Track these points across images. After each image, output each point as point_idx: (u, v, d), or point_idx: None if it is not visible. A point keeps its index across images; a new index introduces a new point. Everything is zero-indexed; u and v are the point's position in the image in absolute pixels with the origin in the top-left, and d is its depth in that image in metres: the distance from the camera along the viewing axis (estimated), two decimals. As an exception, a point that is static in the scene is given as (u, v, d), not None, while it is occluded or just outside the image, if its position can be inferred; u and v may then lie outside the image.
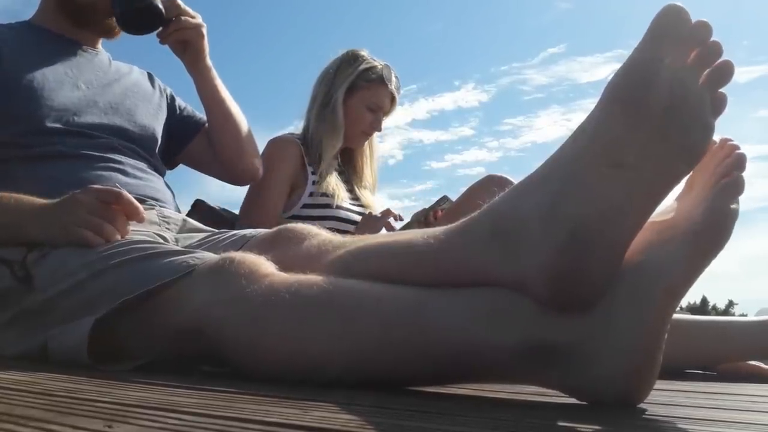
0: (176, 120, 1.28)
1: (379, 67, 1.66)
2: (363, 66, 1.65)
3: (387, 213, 1.58)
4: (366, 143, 1.75)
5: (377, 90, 1.66)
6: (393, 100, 1.70)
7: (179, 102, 1.30)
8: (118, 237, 0.83)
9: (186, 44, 1.18)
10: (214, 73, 1.23)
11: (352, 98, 1.64)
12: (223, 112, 1.24)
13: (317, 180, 1.61)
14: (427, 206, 1.59)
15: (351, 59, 1.67)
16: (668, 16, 0.51)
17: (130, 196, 0.85)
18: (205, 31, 1.18)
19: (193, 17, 1.15)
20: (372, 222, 1.57)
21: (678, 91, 0.51)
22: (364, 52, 1.69)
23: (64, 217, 0.83)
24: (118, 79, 1.17)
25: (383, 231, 1.54)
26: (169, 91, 1.29)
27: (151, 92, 1.23)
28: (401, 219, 1.60)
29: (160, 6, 1.10)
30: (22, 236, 0.85)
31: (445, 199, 1.57)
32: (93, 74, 1.12)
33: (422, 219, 1.56)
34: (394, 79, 1.68)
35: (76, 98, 1.06)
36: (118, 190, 0.85)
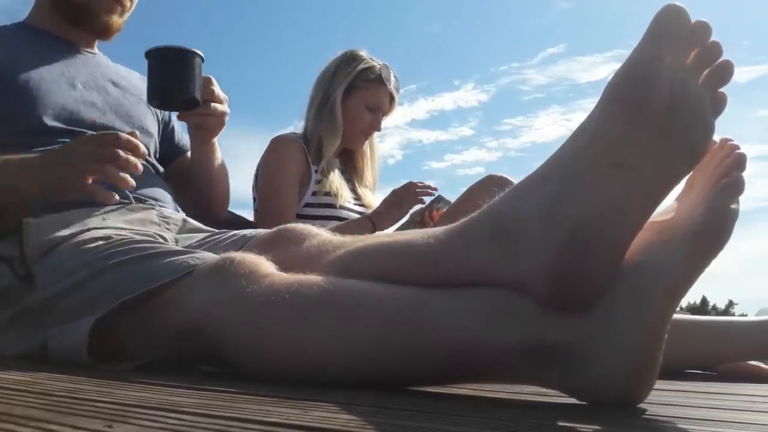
0: (163, 137, 1.27)
1: (378, 67, 1.66)
2: (361, 66, 1.65)
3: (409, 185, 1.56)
4: (366, 143, 1.74)
5: (376, 90, 1.65)
6: (392, 100, 1.70)
7: (172, 120, 1.29)
8: (123, 176, 0.84)
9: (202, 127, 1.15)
10: (216, 146, 1.21)
11: (350, 98, 1.64)
12: (211, 177, 1.23)
13: (320, 179, 1.61)
14: (423, 206, 1.57)
15: (349, 59, 1.67)
16: (668, 16, 0.51)
17: (127, 135, 0.86)
18: (226, 119, 1.13)
19: (221, 102, 1.10)
20: (399, 197, 1.54)
21: (678, 91, 0.51)
22: (363, 52, 1.69)
23: (61, 172, 0.83)
24: (117, 81, 1.17)
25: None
26: None
27: None
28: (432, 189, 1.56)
29: (198, 96, 1.02)
30: (20, 196, 0.86)
31: (439, 198, 1.55)
32: (90, 75, 1.12)
33: (418, 219, 1.55)
34: (393, 79, 1.67)
35: (72, 98, 1.06)
36: (114, 132, 0.85)
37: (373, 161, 1.78)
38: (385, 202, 1.57)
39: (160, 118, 1.25)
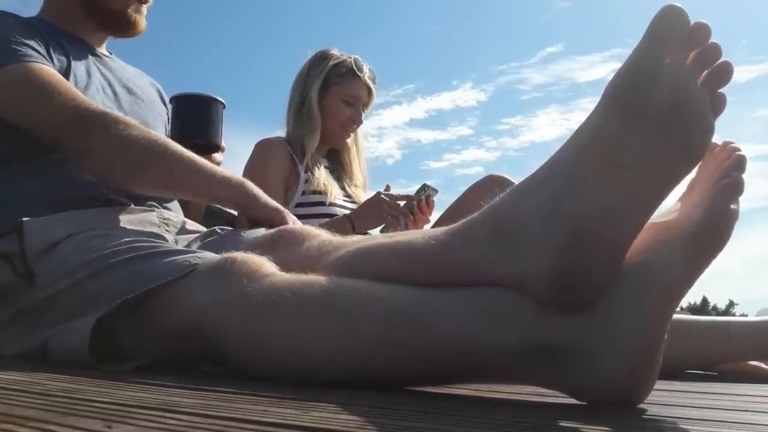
0: None
1: (349, 60, 1.68)
2: (332, 62, 1.68)
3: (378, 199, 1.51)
4: (351, 140, 1.75)
5: (350, 83, 1.67)
6: (370, 91, 1.71)
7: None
8: None
9: None
10: None
11: (326, 96, 1.67)
12: (187, 206, 1.26)
13: (308, 178, 1.62)
14: (411, 200, 1.53)
15: (320, 58, 1.70)
16: (667, 16, 0.51)
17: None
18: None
19: (221, 151, 1.20)
20: (373, 208, 1.50)
21: (679, 91, 0.51)
22: (334, 50, 1.72)
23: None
24: (131, 88, 1.17)
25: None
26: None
27: (161, 108, 1.24)
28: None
29: (219, 142, 1.11)
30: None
31: (425, 187, 1.52)
32: (105, 78, 1.13)
33: (410, 212, 1.51)
34: (366, 69, 1.69)
35: (98, 100, 1.06)
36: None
37: (360, 157, 1.79)
38: (357, 212, 1.55)
39: (167, 129, 1.26)
